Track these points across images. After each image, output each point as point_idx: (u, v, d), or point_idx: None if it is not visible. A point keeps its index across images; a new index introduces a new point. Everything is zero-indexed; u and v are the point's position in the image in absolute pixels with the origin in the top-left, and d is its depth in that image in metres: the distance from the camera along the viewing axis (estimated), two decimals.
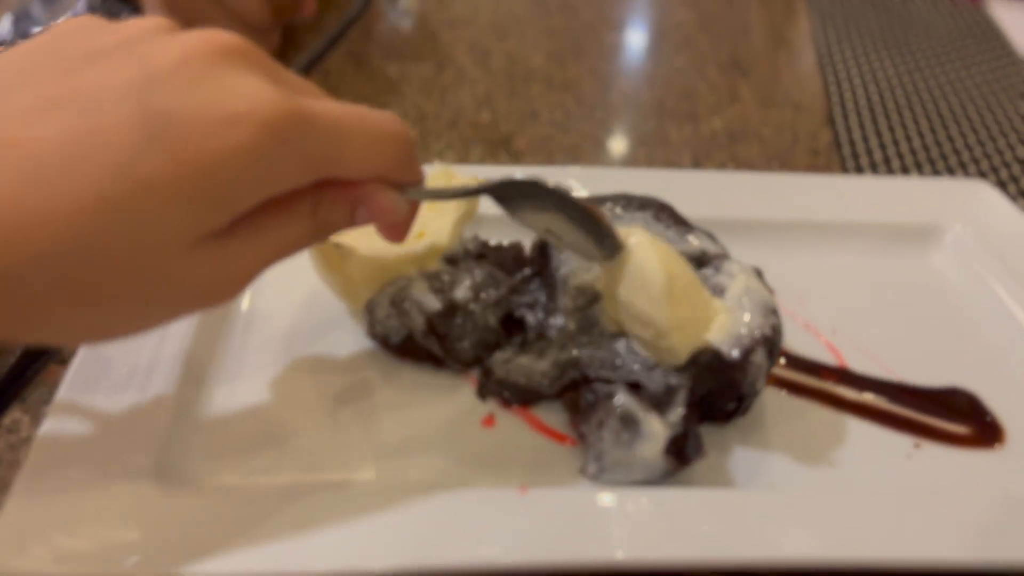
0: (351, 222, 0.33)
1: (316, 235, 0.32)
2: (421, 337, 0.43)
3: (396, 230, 0.36)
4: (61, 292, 0.26)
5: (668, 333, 0.37)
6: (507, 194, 0.36)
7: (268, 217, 0.30)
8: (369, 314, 0.43)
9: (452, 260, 0.45)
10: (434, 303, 0.43)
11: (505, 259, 0.46)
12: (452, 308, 0.43)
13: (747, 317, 0.39)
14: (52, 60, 0.28)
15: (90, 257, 0.25)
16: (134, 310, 0.28)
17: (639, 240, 0.38)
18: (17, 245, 0.24)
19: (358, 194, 0.32)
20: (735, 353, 0.38)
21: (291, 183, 0.29)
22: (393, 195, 0.33)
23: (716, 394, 0.39)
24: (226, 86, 0.27)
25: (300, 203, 0.31)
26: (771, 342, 0.39)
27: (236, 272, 0.30)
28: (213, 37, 0.28)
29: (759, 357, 0.38)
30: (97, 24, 0.30)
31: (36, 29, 0.61)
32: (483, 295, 0.44)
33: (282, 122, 0.27)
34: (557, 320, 0.43)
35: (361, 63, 0.82)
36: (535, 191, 0.35)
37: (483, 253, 0.46)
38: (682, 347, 0.38)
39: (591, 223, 0.37)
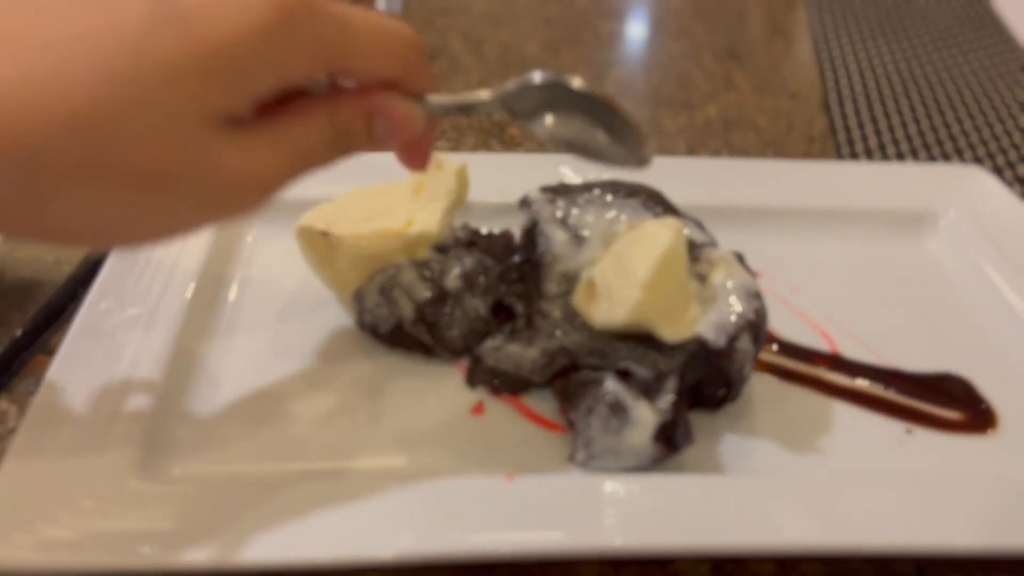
0: (370, 136, 0.33)
1: (336, 144, 0.32)
2: (410, 326, 0.42)
3: (416, 153, 0.36)
4: (75, 168, 0.26)
5: (636, 286, 0.37)
6: (526, 104, 0.34)
7: (288, 115, 0.30)
8: (358, 303, 0.43)
9: (441, 248, 0.44)
10: (424, 291, 0.43)
11: (495, 247, 0.46)
12: (442, 296, 0.43)
13: (731, 303, 0.39)
14: None
15: (104, 130, 0.25)
16: (157, 200, 0.28)
17: (673, 220, 0.39)
18: (32, 118, 0.25)
19: (374, 102, 0.32)
20: (721, 340, 0.38)
21: (304, 67, 0.29)
22: (409, 104, 0.33)
23: (705, 381, 0.39)
24: None
25: (319, 104, 0.31)
26: (756, 327, 0.39)
27: (257, 169, 0.29)
28: None
29: (744, 343, 0.38)
30: None
31: None
32: (473, 283, 0.44)
33: (291, 4, 0.28)
34: (546, 307, 0.43)
35: None
36: (552, 91, 0.34)
37: (473, 241, 0.46)
38: (634, 309, 0.38)
39: (621, 124, 0.35)
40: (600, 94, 0.34)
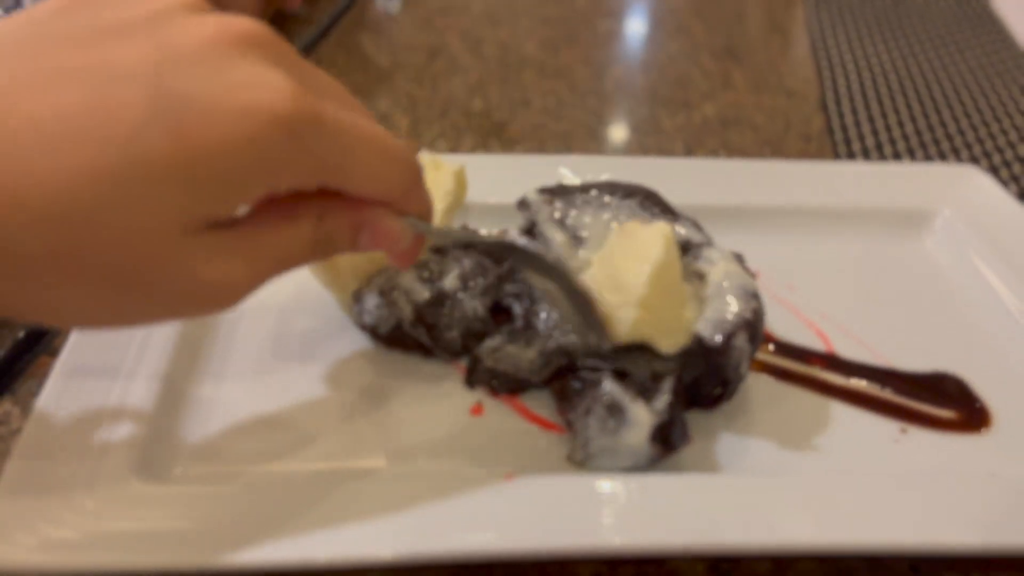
0: (353, 244, 0.32)
1: (317, 249, 0.31)
2: (409, 327, 0.43)
3: (403, 258, 0.35)
4: (53, 261, 0.25)
5: (632, 305, 0.37)
6: (511, 256, 0.38)
7: (271, 219, 0.29)
8: (357, 304, 0.43)
9: (440, 249, 0.45)
10: (423, 292, 0.43)
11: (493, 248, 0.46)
12: (441, 297, 0.43)
13: (729, 302, 0.39)
14: (70, 28, 0.27)
15: (85, 227, 0.25)
16: (126, 296, 0.27)
17: (663, 227, 0.39)
18: (13, 209, 0.24)
19: (364, 215, 0.32)
20: (717, 338, 0.38)
21: (295, 182, 0.28)
22: (399, 223, 0.32)
23: (701, 380, 0.39)
24: (245, 76, 0.26)
25: (305, 210, 0.30)
26: (753, 326, 0.39)
27: (234, 273, 0.29)
28: (239, 24, 0.28)
29: (741, 341, 0.38)
30: None
31: None
32: (471, 284, 0.44)
33: (295, 119, 0.26)
34: (544, 309, 0.43)
35: (353, 52, 0.82)
36: (537, 262, 0.38)
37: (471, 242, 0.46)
38: (632, 328, 0.38)
39: (584, 307, 0.38)
40: (570, 278, 0.38)
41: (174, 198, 0.26)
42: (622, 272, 0.38)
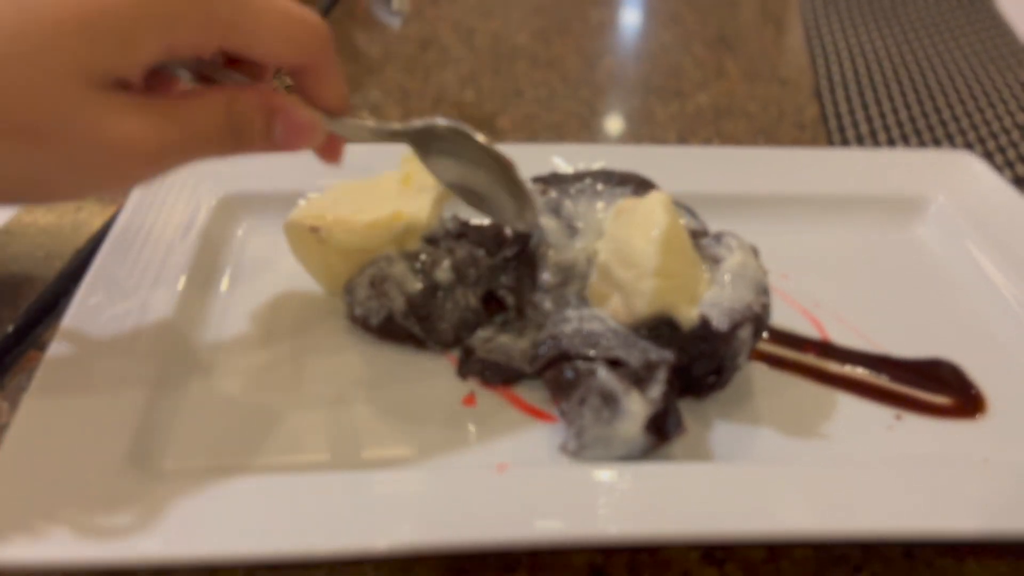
0: (268, 134, 0.32)
1: (232, 135, 0.31)
2: (401, 318, 0.42)
3: (328, 151, 0.35)
4: None
5: (648, 276, 0.37)
6: (427, 140, 0.36)
7: (183, 95, 0.30)
8: (348, 295, 0.43)
9: (432, 240, 0.44)
10: (415, 283, 0.42)
11: (485, 238, 0.46)
12: (433, 288, 0.43)
13: (741, 291, 0.39)
14: None
15: None
16: (37, 152, 0.28)
17: (658, 194, 0.39)
18: None
19: (275, 101, 0.32)
20: (724, 324, 0.38)
21: (193, 37, 0.29)
22: (311, 113, 0.33)
23: (696, 364, 0.39)
24: None
25: (217, 92, 0.31)
26: (760, 321, 0.39)
27: (141, 136, 0.28)
28: None
29: (746, 333, 0.38)
30: None
31: None
32: (464, 275, 0.44)
33: None
34: (538, 298, 0.43)
35: (344, 43, 0.81)
36: (458, 139, 0.36)
37: (463, 232, 0.46)
38: (653, 299, 0.38)
39: (512, 183, 0.37)
40: (498, 153, 0.37)
41: (73, 51, 0.27)
42: (630, 247, 0.38)
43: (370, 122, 0.35)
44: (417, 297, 0.42)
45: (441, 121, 0.36)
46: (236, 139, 0.32)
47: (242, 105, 0.31)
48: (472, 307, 0.43)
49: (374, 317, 0.43)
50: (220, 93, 0.31)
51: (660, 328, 0.39)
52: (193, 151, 0.31)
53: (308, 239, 0.43)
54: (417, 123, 0.35)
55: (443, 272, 0.43)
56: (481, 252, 0.44)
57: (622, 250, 0.39)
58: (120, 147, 0.28)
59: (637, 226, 0.39)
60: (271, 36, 0.31)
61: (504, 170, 0.37)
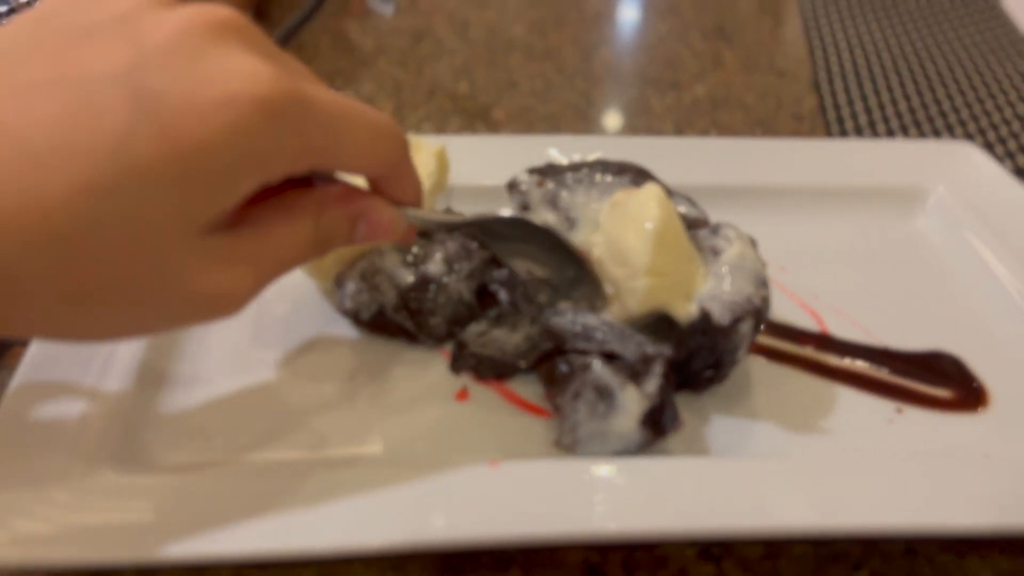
0: (351, 237, 0.32)
1: (318, 244, 0.31)
2: (393, 312, 0.42)
3: (402, 236, 0.35)
4: (52, 284, 0.24)
5: (640, 274, 0.37)
6: (498, 229, 0.37)
7: (270, 220, 0.29)
8: (339, 289, 0.42)
9: (424, 232, 0.44)
10: (406, 276, 0.42)
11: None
12: (425, 281, 0.42)
13: (740, 284, 0.38)
14: (41, 39, 0.26)
15: (82, 245, 0.24)
16: (128, 311, 0.27)
17: (651, 187, 0.38)
18: (5, 233, 0.23)
19: (359, 206, 0.32)
20: (725, 318, 0.37)
21: (287, 168, 0.28)
22: (393, 211, 0.33)
23: (695, 358, 0.38)
24: (220, 64, 0.26)
25: (303, 208, 0.30)
26: (760, 314, 0.38)
27: (238, 280, 0.28)
28: (208, 12, 0.27)
29: (746, 327, 0.37)
30: None
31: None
32: (456, 268, 0.43)
33: (278, 102, 0.26)
34: (532, 291, 0.42)
35: (337, 36, 0.80)
36: (527, 229, 0.38)
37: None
38: (646, 298, 0.37)
39: (578, 265, 0.39)
40: (562, 237, 0.39)
41: (169, 201, 0.25)
42: (623, 244, 0.37)
43: (439, 214, 0.36)
44: (409, 291, 0.41)
45: (504, 213, 0.37)
46: (321, 248, 0.31)
47: (329, 218, 0.31)
48: (465, 301, 0.43)
49: (365, 311, 0.42)
50: (308, 208, 0.30)
51: (658, 322, 0.38)
52: (281, 273, 0.30)
53: None
54: (489, 215, 0.37)
55: (435, 265, 0.42)
56: (474, 245, 0.44)
57: (615, 246, 0.38)
58: (218, 298, 0.28)
59: (630, 221, 0.38)
60: (360, 155, 0.30)
61: (569, 254, 0.39)
